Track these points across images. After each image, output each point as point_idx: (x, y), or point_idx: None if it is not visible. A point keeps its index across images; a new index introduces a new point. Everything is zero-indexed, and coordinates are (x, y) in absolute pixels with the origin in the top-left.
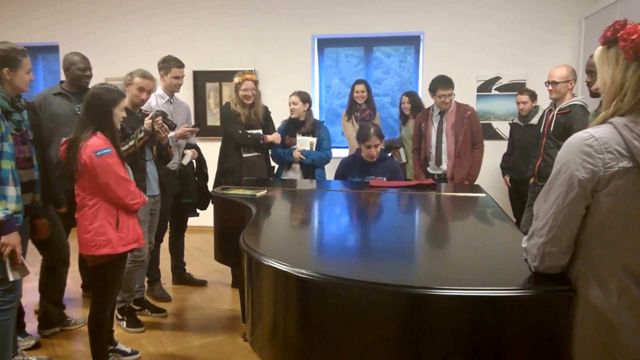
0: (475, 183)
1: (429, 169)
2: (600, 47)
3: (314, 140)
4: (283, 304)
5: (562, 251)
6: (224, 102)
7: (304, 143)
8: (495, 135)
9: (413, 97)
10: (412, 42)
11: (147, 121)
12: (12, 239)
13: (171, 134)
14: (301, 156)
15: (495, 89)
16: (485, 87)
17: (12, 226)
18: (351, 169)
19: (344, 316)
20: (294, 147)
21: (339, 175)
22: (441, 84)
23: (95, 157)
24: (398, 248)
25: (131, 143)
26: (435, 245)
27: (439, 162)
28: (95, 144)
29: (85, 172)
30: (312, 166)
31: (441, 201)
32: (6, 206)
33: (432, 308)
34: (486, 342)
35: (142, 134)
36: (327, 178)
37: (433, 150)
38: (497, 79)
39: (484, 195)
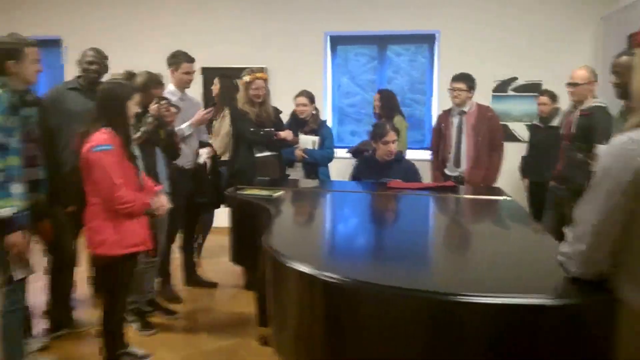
0: (495, 186)
1: (446, 171)
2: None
3: (316, 139)
4: (308, 308)
5: (604, 258)
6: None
7: (307, 142)
8: (511, 137)
9: (386, 96)
10: (426, 40)
11: (153, 106)
12: (19, 237)
13: (187, 123)
14: (304, 155)
15: (511, 90)
16: (501, 88)
17: (19, 224)
18: (367, 170)
19: (371, 322)
20: (296, 145)
21: (354, 177)
22: (454, 76)
23: (91, 152)
24: (425, 252)
25: (143, 129)
26: (464, 249)
27: (457, 164)
28: (97, 139)
29: (84, 167)
30: (314, 165)
31: (464, 204)
32: (13, 203)
33: (467, 316)
34: (522, 353)
35: (150, 119)
36: (333, 178)
37: (452, 151)
38: (514, 79)
39: (507, 198)
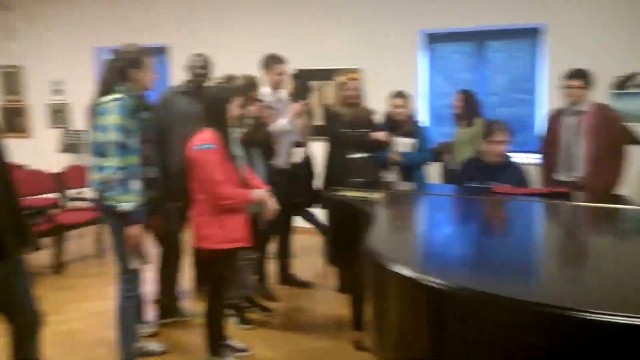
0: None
1: (558, 176)
2: None
3: (412, 141)
4: (411, 314)
5: None
6: (325, 101)
7: (402, 144)
8: (635, 140)
9: (468, 96)
10: (530, 35)
11: (251, 108)
12: (136, 230)
13: (284, 120)
14: (398, 157)
15: (635, 87)
16: (622, 85)
17: (136, 218)
18: (472, 173)
19: (477, 332)
20: (390, 147)
21: (458, 179)
22: (568, 72)
23: (195, 151)
24: (537, 263)
25: (242, 130)
26: (583, 262)
27: (571, 168)
28: (201, 139)
29: (190, 165)
30: (410, 168)
31: (583, 213)
32: (132, 199)
33: (589, 336)
34: None
35: (249, 120)
36: (429, 181)
37: (565, 155)
38: (637, 74)
39: (637, 207)
